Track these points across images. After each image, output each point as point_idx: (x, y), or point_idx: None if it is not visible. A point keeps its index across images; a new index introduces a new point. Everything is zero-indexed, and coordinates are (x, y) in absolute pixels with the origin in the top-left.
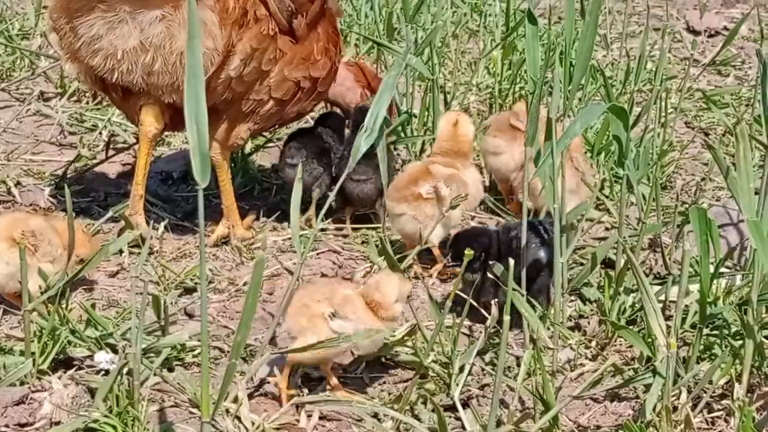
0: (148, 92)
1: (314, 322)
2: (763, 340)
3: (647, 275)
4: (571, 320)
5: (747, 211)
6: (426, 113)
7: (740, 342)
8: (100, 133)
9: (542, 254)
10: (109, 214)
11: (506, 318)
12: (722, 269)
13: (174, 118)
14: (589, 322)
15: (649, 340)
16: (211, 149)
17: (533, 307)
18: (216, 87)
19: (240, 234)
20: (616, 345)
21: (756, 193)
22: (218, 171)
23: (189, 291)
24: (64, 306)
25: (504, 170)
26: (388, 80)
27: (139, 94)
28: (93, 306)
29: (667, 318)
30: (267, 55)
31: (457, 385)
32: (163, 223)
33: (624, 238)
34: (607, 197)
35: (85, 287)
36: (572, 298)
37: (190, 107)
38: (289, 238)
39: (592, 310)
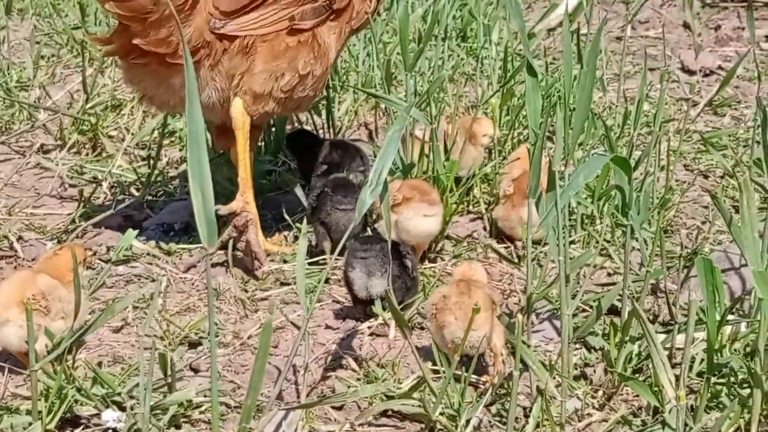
0: None
1: None
2: None
3: (652, 322)
4: (576, 369)
5: (753, 262)
6: (426, 160)
7: (748, 391)
8: (101, 184)
9: None
10: (109, 266)
11: (516, 373)
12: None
13: None
14: (594, 371)
15: (656, 389)
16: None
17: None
18: None
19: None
20: (623, 394)
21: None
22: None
23: (193, 345)
24: (70, 364)
25: None
26: (392, 135)
27: None
28: (99, 364)
29: (674, 366)
30: None
31: None
32: (165, 277)
33: (628, 286)
34: (608, 242)
35: (89, 344)
36: (577, 346)
37: (194, 173)
38: (292, 290)
39: (597, 358)
